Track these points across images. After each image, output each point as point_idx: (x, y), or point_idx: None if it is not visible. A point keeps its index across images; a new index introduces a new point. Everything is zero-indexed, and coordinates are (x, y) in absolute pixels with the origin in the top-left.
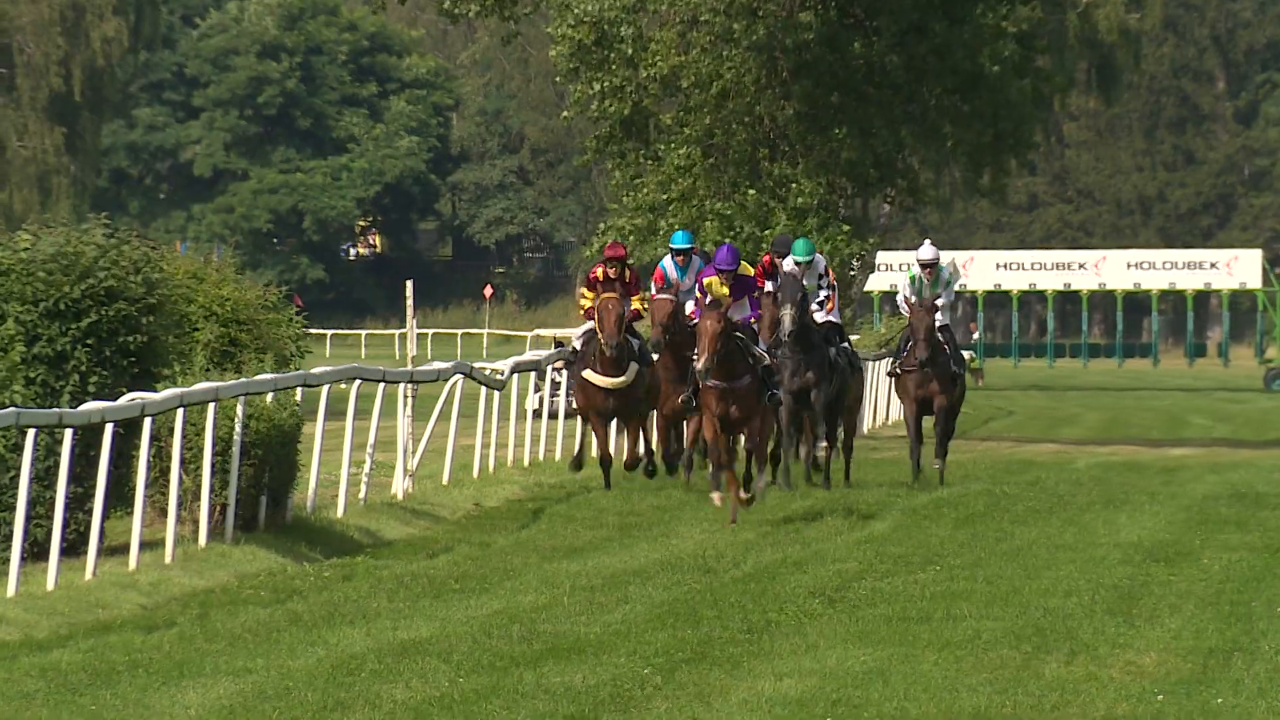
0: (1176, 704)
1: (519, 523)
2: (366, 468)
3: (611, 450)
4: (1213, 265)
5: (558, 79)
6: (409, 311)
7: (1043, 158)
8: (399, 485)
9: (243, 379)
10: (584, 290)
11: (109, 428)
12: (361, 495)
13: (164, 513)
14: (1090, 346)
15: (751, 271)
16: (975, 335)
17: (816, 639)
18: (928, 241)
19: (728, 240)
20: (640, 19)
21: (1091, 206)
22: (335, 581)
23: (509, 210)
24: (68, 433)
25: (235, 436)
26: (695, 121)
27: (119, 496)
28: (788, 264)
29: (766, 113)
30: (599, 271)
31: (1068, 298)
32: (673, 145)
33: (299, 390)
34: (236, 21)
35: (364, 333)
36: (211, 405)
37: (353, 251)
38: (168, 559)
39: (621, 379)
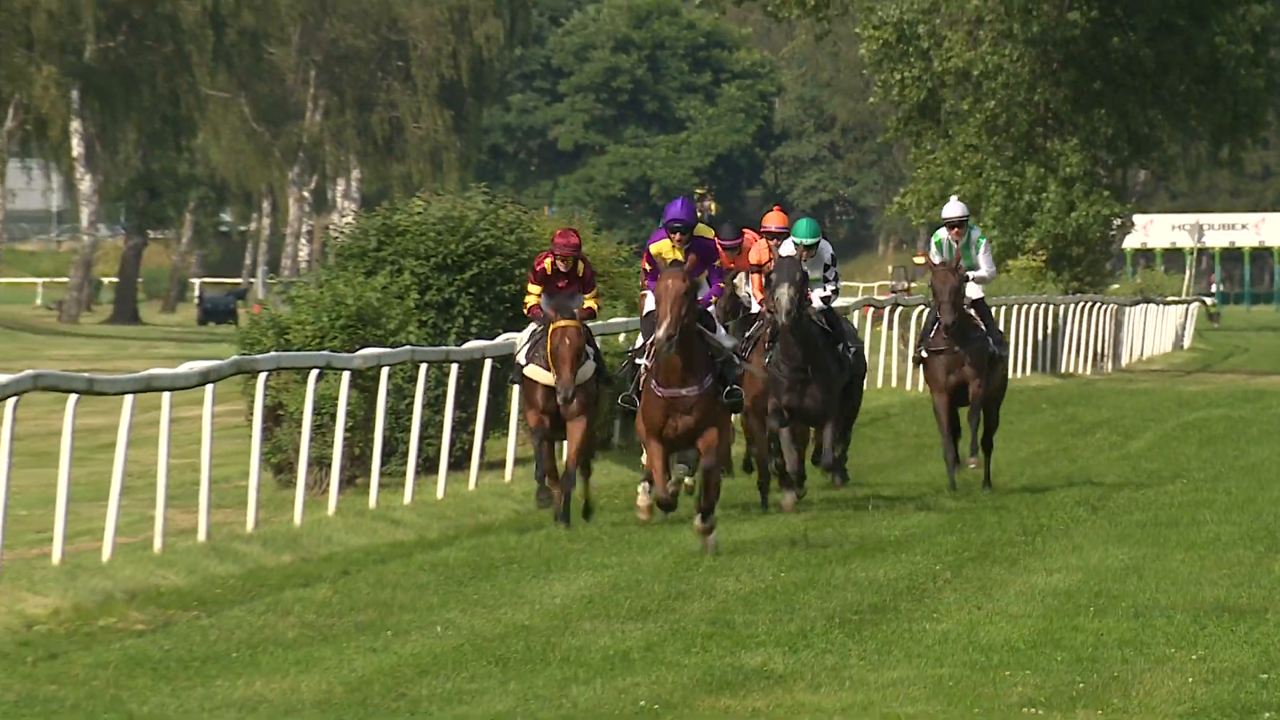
0: None
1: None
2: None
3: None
4: None
5: (865, 70)
6: None
7: (1274, 133)
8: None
9: (599, 321)
10: (530, 286)
11: (488, 363)
12: None
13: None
14: None
15: (711, 235)
16: (1215, 286)
17: (1081, 541)
18: (954, 198)
19: (1002, 209)
20: (934, 20)
21: None
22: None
23: (822, 180)
24: (454, 367)
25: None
26: (982, 105)
27: (496, 420)
28: (786, 246)
29: (1041, 98)
30: (546, 263)
31: None
32: (962, 126)
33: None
34: (594, 21)
35: None
36: None
37: (705, 212)
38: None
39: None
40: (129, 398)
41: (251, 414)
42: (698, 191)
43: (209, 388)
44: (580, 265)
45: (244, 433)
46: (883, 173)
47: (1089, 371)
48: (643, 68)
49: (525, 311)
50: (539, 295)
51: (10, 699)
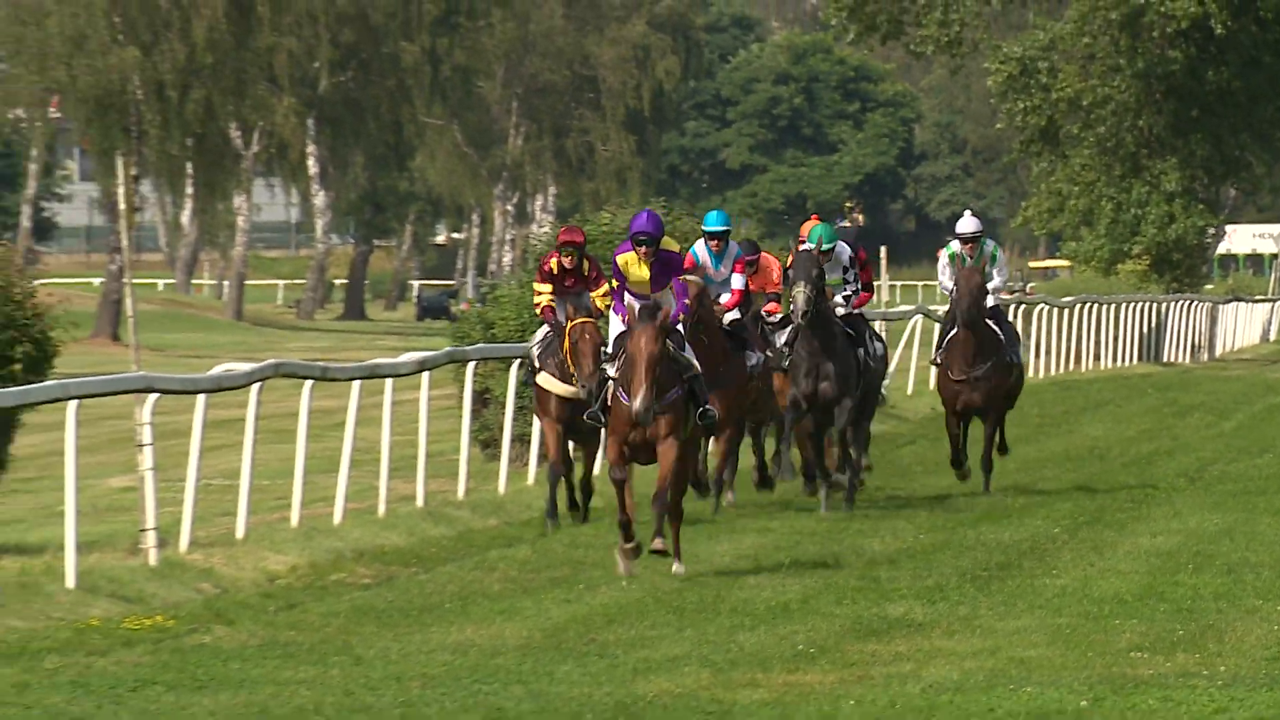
0: None
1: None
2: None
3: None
4: None
5: (992, 99)
6: (883, 268)
7: None
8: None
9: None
10: (538, 285)
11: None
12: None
13: None
14: None
15: (677, 248)
16: None
17: (1181, 507)
18: (969, 212)
19: (1112, 220)
20: (1052, 56)
21: None
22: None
23: (954, 195)
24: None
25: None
26: (1093, 130)
27: None
28: (804, 249)
29: (1145, 124)
30: (553, 262)
31: None
32: (1077, 148)
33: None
34: (758, 58)
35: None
36: None
37: (841, 222)
38: None
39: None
40: (356, 383)
41: (462, 397)
42: (847, 205)
43: (425, 375)
44: (586, 263)
45: (455, 413)
46: (1008, 189)
47: (1188, 360)
48: (800, 97)
49: (537, 312)
50: (549, 294)
51: (255, 643)
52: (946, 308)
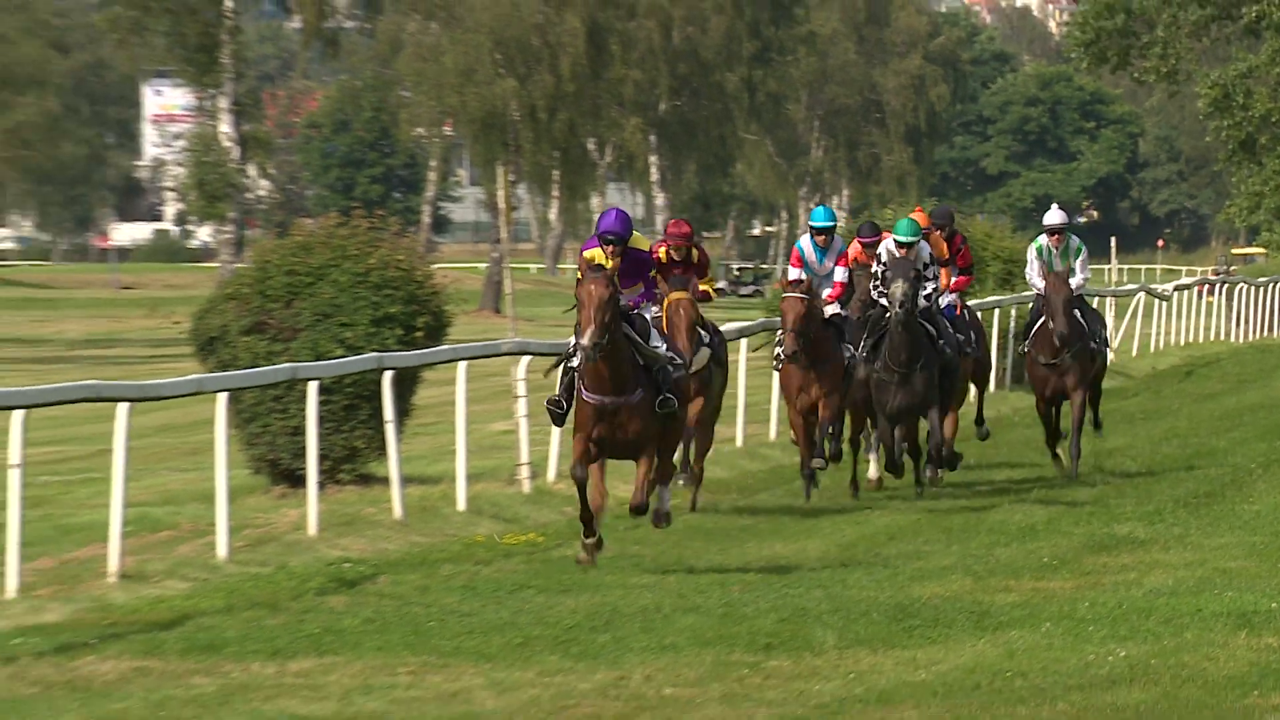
0: None
1: (1176, 378)
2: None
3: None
4: None
5: (1201, 117)
6: (1113, 255)
7: None
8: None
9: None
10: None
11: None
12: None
13: None
14: None
15: (647, 247)
16: None
17: None
18: (1055, 205)
19: None
20: (1249, 82)
21: None
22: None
23: (1172, 196)
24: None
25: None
26: None
27: None
28: (889, 244)
29: None
30: (661, 251)
31: None
32: (1270, 156)
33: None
34: (1013, 85)
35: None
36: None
37: (1079, 219)
38: None
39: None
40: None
41: (774, 358)
42: (1084, 203)
43: (743, 341)
44: (694, 252)
45: (768, 370)
46: (1216, 190)
47: None
48: (1046, 116)
49: None
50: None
51: (609, 555)
52: (1032, 303)
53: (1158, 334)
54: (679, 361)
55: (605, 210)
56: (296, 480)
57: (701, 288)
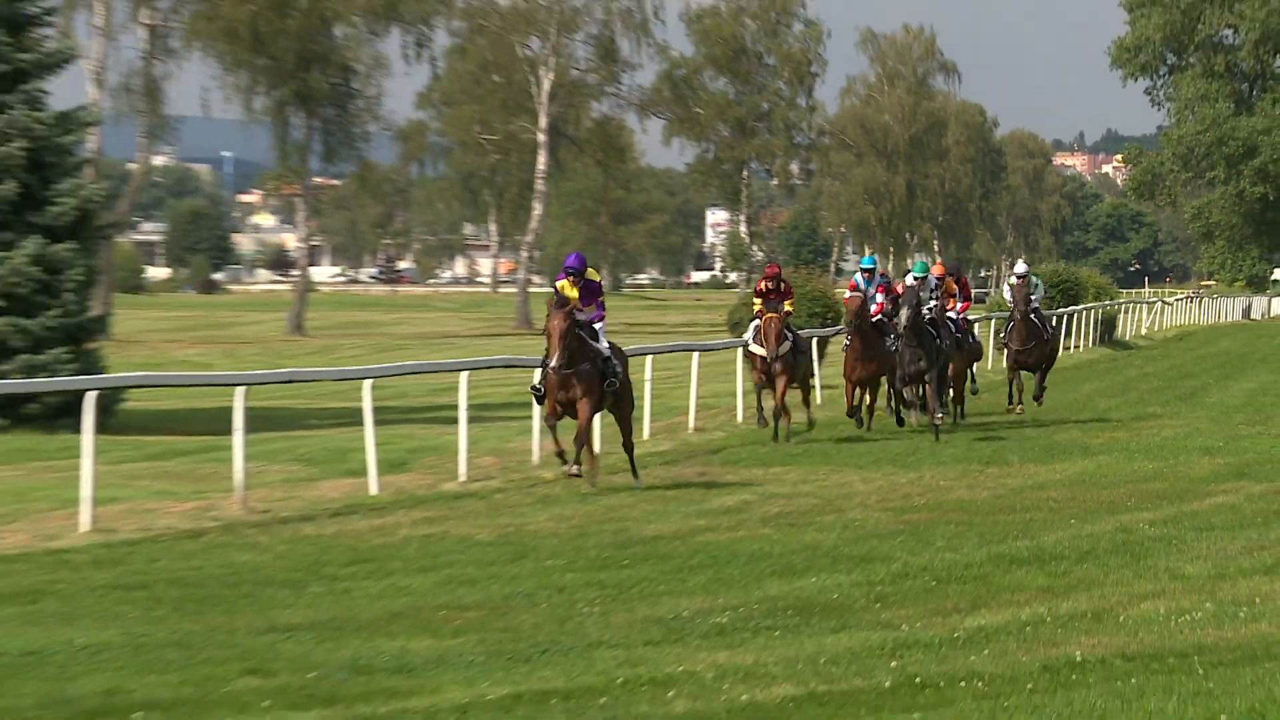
0: None
1: (1175, 340)
2: None
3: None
4: None
5: (1188, 230)
6: (1146, 284)
7: None
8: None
9: None
10: (754, 300)
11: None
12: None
13: None
14: None
15: (598, 278)
16: None
17: None
18: (1021, 260)
19: None
20: (1211, 209)
21: None
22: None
23: (1173, 257)
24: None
25: (789, 345)
26: None
27: None
28: (908, 279)
29: None
30: (761, 285)
31: None
32: (1219, 242)
33: None
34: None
35: None
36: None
37: (1159, 278)
38: None
39: (781, 349)
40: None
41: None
42: (1133, 264)
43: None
44: (782, 285)
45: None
46: (1194, 254)
47: None
48: (1114, 223)
49: (755, 313)
50: (760, 303)
51: (690, 476)
52: (1007, 313)
53: (1165, 320)
54: (611, 360)
55: (570, 253)
56: None
57: (786, 307)
